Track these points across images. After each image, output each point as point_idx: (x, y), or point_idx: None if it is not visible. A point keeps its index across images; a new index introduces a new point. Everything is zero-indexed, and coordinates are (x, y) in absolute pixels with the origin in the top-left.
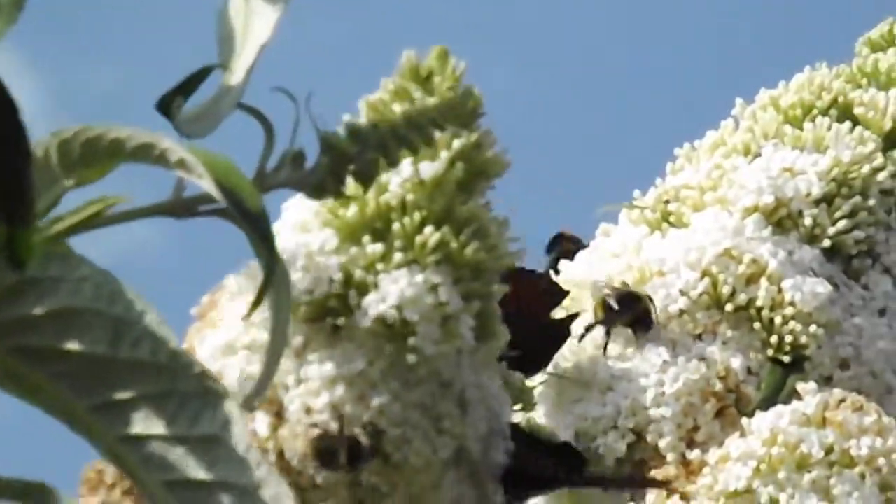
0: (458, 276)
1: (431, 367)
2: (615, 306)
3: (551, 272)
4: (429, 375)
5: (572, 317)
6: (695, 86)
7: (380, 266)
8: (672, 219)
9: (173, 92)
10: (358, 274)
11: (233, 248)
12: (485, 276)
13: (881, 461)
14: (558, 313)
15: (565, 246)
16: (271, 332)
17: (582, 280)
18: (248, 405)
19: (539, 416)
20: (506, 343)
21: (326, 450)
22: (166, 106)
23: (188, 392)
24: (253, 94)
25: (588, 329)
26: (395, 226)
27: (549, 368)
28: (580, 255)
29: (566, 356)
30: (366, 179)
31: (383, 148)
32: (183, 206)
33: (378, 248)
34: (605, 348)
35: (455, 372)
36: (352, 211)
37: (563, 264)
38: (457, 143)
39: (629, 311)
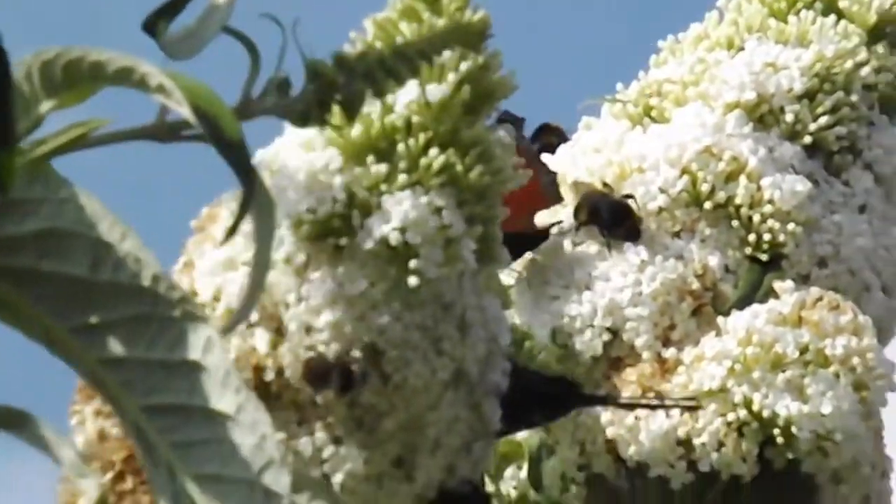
0: (462, 199)
1: (433, 290)
2: (605, 217)
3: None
4: (430, 297)
5: (552, 225)
6: None
7: (383, 187)
8: (654, 114)
9: (158, 12)
10: (361, 194)
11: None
12: (488, 199)
13: (856, 360)
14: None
15: (548, 138)
16: (253, 259)
17: (563, 174)
18: (229, 329)
19: (516, 315)
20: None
21: (318, 374)
22: (151, 26)
23: (168, 317)
24: (241, 21)
25: (574, 230)
26: (400, 147)
27: (525, 265)
28: (562, 148)
29: (544, 254)
30: (351, 110)
31: (370, 78)
32: (166, 131)
33: (382, 168)
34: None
35: (456, 294)
36: (357, 131)
37: (545, 157)
38: (464, 66)
39: (621, 226)
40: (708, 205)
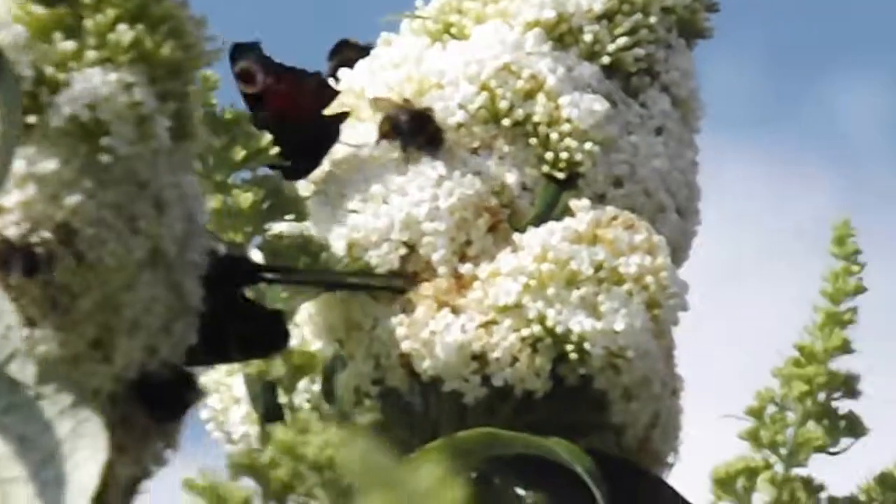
0: (154, 76)
1: (127, 167)
2: (405, 127)
3: (331, 79)
4: (124, 175)
5: (342, 115)
6: None
7: (72, 64)
8: (454, 30)
9: None
10: (49, 71)
11: None
12: (182, 76)
13: (649, 279)
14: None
15: (347, 54)
16: (2, 134)
17: (361, 90)
18: None
19: (313, 226)
20: (276, 153)
21: (3, 258)
22: None
23: None
24: None
25: (375, 143)
26: (88, 23)
27: (323, 178)
28: (361, 64)
29: (342, 167)
30: None
31: None
32: None
33: (70, 45)
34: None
35: (151, 172)
36: (42, 7)
37: (344, 73)
38: None
39: (421, 134)
40: (506, 122)
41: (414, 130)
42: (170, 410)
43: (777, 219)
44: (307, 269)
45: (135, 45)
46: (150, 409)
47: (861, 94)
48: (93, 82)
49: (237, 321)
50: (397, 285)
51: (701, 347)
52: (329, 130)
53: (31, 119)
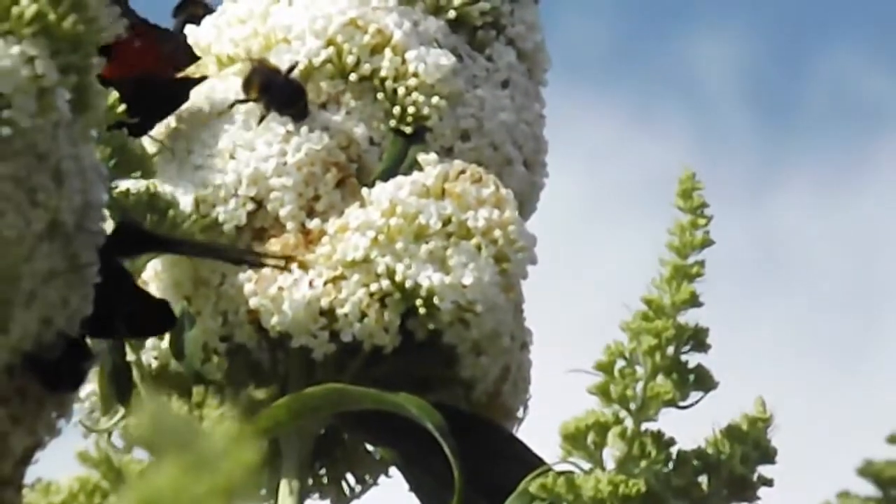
0: (56, 49)
1: (27, 140)
2: (279, 95)
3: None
4: (24, 148)
5: (194, 80)
6: None
7: None
8: None
9: None
10: None
11: None
12: (83, 49)
13: (497, 233)
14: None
15: (193, 10)
16: None
17: (207, 45)
18: None
19: (160, 183)
20: (122, 111)
21: None
22: None
23: None
24: None
25: (238, 103)
26: None
27: (170, 134)
28: (207, 19)
29: (188, 123)
30: None
31: None
32: None
33: None
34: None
35: (51, 144)
36: None
37: (190, 29)
38: None
39: (293, 106)
40: (353, 77)
41: (286, 101)
42: (64, 381)
43: (628, 168)
44: (191, 239)
45: (37, 17)
46: (44, 380)
47: (716, 44)
48: None
49: (126, 299)
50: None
51: (549, 300)
52: (180, 92)
53: None
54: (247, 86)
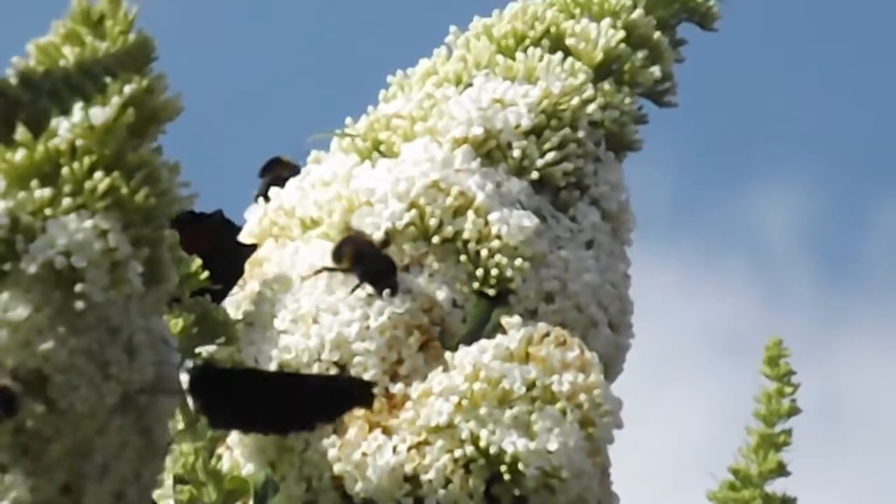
0: (128, 222)
1: (100, 314)
2: (370, 268)
3: (261, 198)
4: (97, 322)
5: (251, 247)
6: (410, 11)
7: (48, 211)
8: (383, 148)
9: None
10: (25, 219)
11: None
12: (155, 222)
13: (582, 396)
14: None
15: (279, 172)
16: None
17: (292, 208)
18: None
19: (243, 349)
20: (207, 278)
21: None
22: None
23: None
24: None
25: (327, 271)
26: (65, 171)
27: (254, 299)
28: (291, 182)
29: (272, 287)
30: (37, 127)
31: (56, 96)
32: None
33: (47, 192)
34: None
35: (124, 318)
36: (20, 155)
37: (275, 191)
38: (128, 89)
39: (382, 283)
40: (436, 239)
41: (377, 276)
42: None
43: (691, 322)
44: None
45: (110, 191)
46: None
47: (778, 196)
48: (68, 229)
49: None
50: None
51: (626, 460)
52: (233, 262)
53: (6, 266)
54: (338, 255)
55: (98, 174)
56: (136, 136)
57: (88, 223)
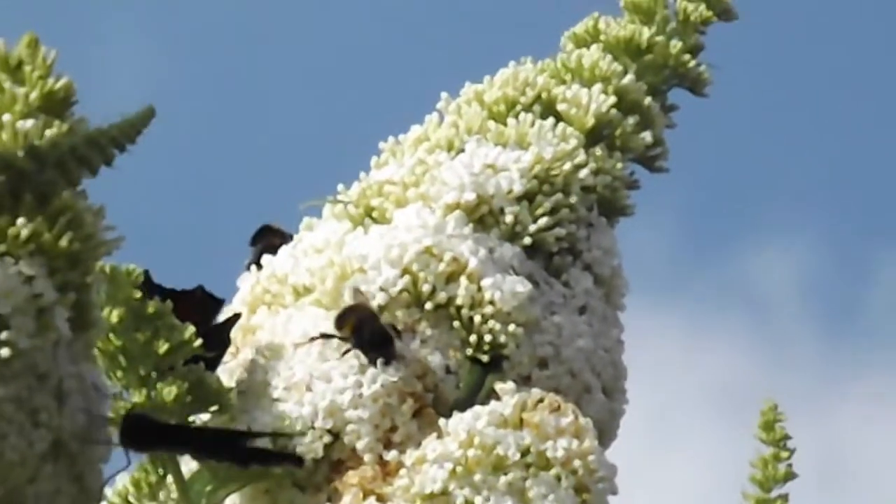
0: (53, 267)
1: (27, 360)
2: (368, 339)
3: (253, 266)
4: (24, 369)
5: (233, 318)
6: (399, 78)
7: None
8: (375, 214)
9: None
10: None
11: None
12: (81, 266)
13: (577, 463)
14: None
15: (270, 240)
16: None
17: (284, 275)
18: None
19: (237, 416)
20: (199, 345)
21: None
22: None
23: None
24: None
25: (326, 337)
26: None
27: (247, 367)
28: (283, 249)
29: (266, 354)
30: (44, 199)
31: (62, 167)
32: None
33: None
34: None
35: (52, 364)
36: None
37: (267, 258)
38: (48, 133)
39: (379, 353)
40: (429, 305)
41: (375, 348)
42: None
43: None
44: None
45: (33, 237)
46: None
47: (777, 253)
48: None
49: None
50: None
51: None
52: (217, 336)
53: None
54: (340, 322)
55: (20, 220)
56: (67, 185)
57: (12, 269)
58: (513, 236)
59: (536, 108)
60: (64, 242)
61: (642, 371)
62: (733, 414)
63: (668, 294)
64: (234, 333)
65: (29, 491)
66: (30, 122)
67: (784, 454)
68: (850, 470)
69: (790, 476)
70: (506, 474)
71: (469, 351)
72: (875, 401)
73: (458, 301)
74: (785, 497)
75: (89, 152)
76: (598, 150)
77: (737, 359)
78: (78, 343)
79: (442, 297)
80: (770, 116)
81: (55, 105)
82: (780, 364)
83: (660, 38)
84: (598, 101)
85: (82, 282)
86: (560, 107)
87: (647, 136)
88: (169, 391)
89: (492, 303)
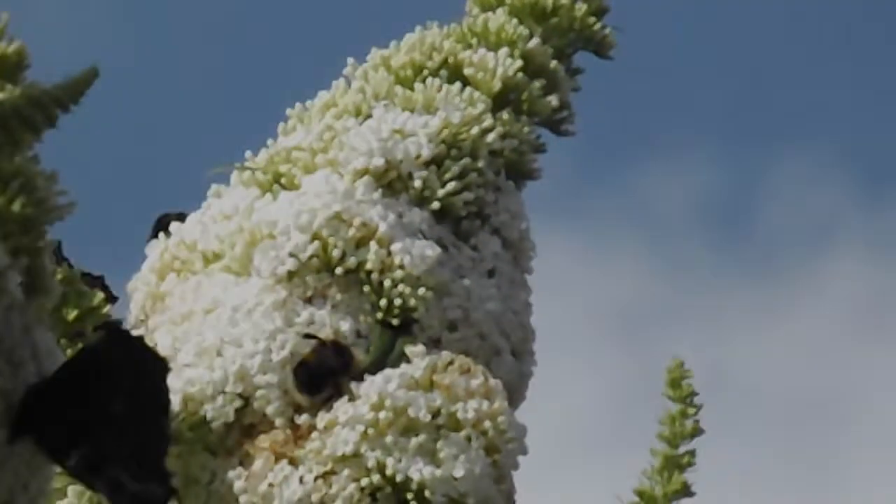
0: (6, 232)
1: None
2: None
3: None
4: None
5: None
6: (305, 44)
7: None
8: (284, 181)
9: None
10: None
11: None
12: (34, 231)
13: (487, 424)
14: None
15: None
16: None
17: (193, 242)
18: None
19: None
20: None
21: None
22: None
23: None
24: None
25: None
26: None
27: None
28: (192, 216)
29: (176, 320)
30: None
31: (6, 128)
32: None
33: None
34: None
35: (4, 328)
36: None
37: (175, 226)
38: (1, 97)
39: (318, 393)
40: (339, 270)
41: (313, 388)
42: None
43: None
44: None
45: None
46: None
47: (671, 170)
48: None
49: None
50: None
51: None
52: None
53: None
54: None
55: None
56: (10, 145)
57: None
58: (421, 201)
59: (443, 72)
60: (16, 207)
61: (538, 291)
62: (627, 332)
63: (561, 216)
64: (144, 300)
65: None
66: None
67: (691, 410)
68: (735, 379)
69: (697, 432)
70: (417, 436)
71: (379, 315)
72: (765, 311)
73: (368, 266)
74: (692, 453)
75: (32, 112)
76: (504, 115)
77: (634, 278)
78: (31, 308)
79: (352, 262)
80: (661, 38)
81: (7, 69)
82: (676, 282)
83: (565, 1)
84: (505, 64)
85: (35, 246)
86: (467, 71)
87: (553, 99)
88: None
89: (401, 267)
